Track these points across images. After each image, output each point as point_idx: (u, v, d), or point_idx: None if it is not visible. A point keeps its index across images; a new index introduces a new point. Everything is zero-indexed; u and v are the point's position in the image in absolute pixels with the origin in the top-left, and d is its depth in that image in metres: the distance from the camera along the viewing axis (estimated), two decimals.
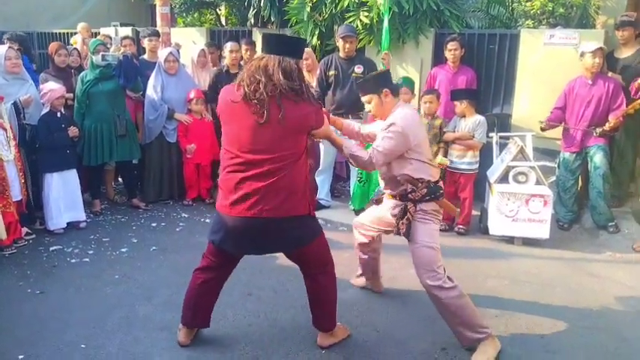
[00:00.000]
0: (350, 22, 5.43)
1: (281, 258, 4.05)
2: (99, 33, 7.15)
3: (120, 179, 5.63)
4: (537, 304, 3.41)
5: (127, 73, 4.81)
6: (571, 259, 4.19)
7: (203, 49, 5.83)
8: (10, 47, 4.50)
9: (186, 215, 5.09)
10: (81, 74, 4.91)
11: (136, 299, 3.38)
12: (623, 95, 4.54)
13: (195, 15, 8.25)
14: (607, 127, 4.50)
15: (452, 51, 5.12)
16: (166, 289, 3.53)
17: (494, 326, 3.10)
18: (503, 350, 2.85)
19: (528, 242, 4.40)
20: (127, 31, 7.16)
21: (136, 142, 5.10)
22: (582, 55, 4.58)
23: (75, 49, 5.70)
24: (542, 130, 4.79)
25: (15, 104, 4.25)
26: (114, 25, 7.53)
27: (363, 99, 2.98)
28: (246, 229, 2.55)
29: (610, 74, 4.76)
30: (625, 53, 4.82)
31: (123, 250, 4.21)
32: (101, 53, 4.73)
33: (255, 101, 2.41)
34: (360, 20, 5.49)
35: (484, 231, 4.61)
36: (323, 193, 5.20)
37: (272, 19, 6.34)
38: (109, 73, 4.78)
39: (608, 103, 4.56)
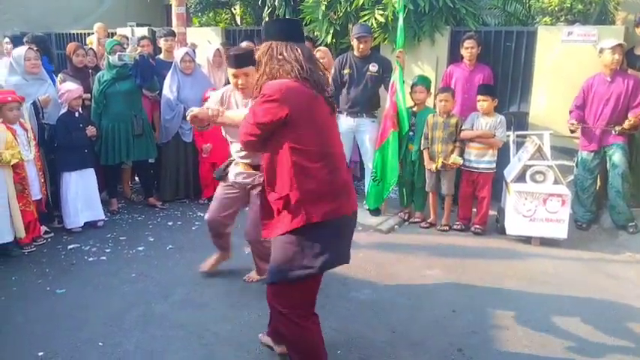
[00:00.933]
0: (365, 21, 5.40)
1: None
2: (115, 33, 7.22)
3: (137, 178, 5.67)
4: (555, 305, 3.37)
5: (143, 73, 4.85)
6: (589, 259, 4.13)
7: (218, 49, 5.85)
8: (29, 48, 4.56)
9: (201, 214, 5.10)
10: (98, 74, 4.96)
11: (153, 297, 3.41)
12: None
13: (211, 15, 8.28)
14: (626, 125, 4.42)
15: (469, 49, 5.07)
16: (182, 287, 3.55)
17: (511, 327, 3.08)
18: (521, 351, 2.82)
19: (546, 242, 4.35)
20: (143, 31, 7.21)
21: (152, 141, 5.14)
22: (601, 51, 4.51)
23: (91, 49, 5.77)
24: (572, 131, 4.71)
25: (34, 104, 4.31)
26: (130, 26, 7.59)
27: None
28: (350, 228, 2.41)
29: (630, 71, 4.68)
30: None
31: (140, 248, 4.25)
32: (118, 53, 4.77)
33: (324, 92, 2.29)
34: (375, 19, 5.46)
35: (501, 231, 4.56)
36: None
37: (287, 17, 6.34)
38: (126, 73, 4.82)
39: (628, 101, 4.48)
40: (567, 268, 3.98)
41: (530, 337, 2.98)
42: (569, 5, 5.13)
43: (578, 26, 5.12)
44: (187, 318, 3.15)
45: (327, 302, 3.35)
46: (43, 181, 4.29)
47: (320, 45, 5.85)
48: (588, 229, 4.76)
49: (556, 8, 5.20)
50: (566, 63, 5.06)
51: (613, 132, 4.51)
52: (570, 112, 4.72)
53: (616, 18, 5.34)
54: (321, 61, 5.08)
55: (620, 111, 4.50)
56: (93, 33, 7.22)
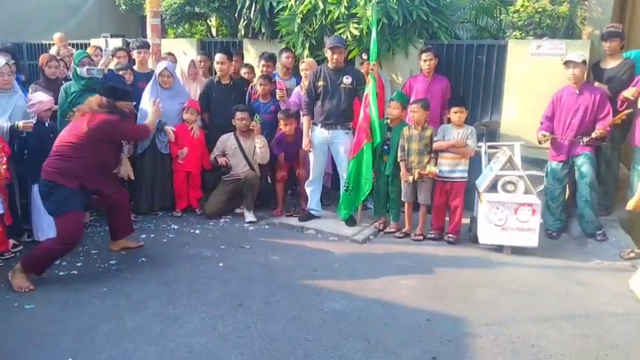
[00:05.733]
0: (340, 34, 5.47)
1: (270, 267, 4.07)
2: (89, 44, 7.15)
3: None
4: (527, 312, 3.43)
5: None
6: (560, 267, 4.22)
7: (192, 61, 5.86)
8: (6, 63, 4.43)
9: (175, 227, 5.07)
10: (64, 85, 4.83)
11: (125, 311, 3.35)
12: (610, 105, 4.60)
13: (186, 26, 8.27)
14: (594, 135, 4.55)
15: (427, 61, 5.20)
16: (155, 301, 3.50)
17: (484, 335, 3.12)
18: (494, 359, 2.86)
19: (517, 251, 4.43)
20: (117, 42, 7.16)
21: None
22: (564, 65, 4.66)
23: (62, 59, 5.68)
24: (540, 142, 4.83)
25: (12, 128, 4.19)
26: (104, 37, 7.53)
27: None
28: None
29: (596, 84, 4.83)
30: (611, 64, 4.89)
31: (111, 262, 4.17)
32: (87, 67, 4.69)
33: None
34: (350, 32, 5.53)
35: (474, 240, 4.63)
36: (313, 204, 5.20)
37: (262, 30, 6.38)
38: (94, 85, 4.71)
39: (595, 113, 4.61)
40: (538, 275, 4.05)
41: (503, 345, 3.02)
42: (537, 20, 5.27)
43: (547, 40, 5.26)
44: (160, 332, 3.11)
45: (302, 313, 3.35)
46: (5, 194, 4.17)
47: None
48: (558, 237, 4.86)
49: (525, 22, 5.35)
50: (535, 75, 5.20)
51: (581, 142, 4.64)
52: (541, 123, 4.84)
53: (583, 33, 5.50)
54: (306, 72, 5.20)
55: (587, 122, 4.63)
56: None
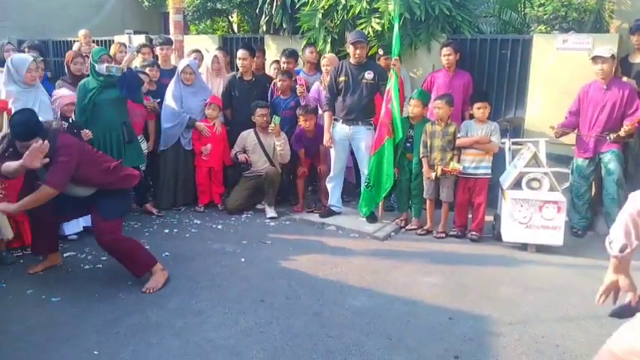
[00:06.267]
0: (361, 29, 5.44)
1: (291, 263, 4.08)
2: (113, 41, 7.24)
3: None
4: (552, 311, 3.37)
5: (129, 86, 4.80)
6: (585, 265, 4.14)
7: (216, 56, 5.88)
8: (34, 60, 4.48)
9: (198, 222, 5.12)
10: (82, 81, 4.81)
11: (148, 305, 3.40)
12: (639, 101, 4.49)
13: (208, 22, 8.31)
14: (622, 132, 4.45)
15: (446, 56, 5.15)
16: (178, 295, 3.54)
17: (507, 334, 3.08)
18: (517, 358, 2.82)
19: (542, 249, 4.36)
20: (140, 39, 7.24)
21: (140, 148, 5.10)
22: (592, 60, 4.56)
23: (86, 56, 5.76)
24: (556, 136, 4.76)
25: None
26: (127, 33, 7.62)
27: None
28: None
29: (625, 79, 4.71)
30: None
31: None
32: (106, 64, 4.70)
33: None
34: (372, 27, 5.50)
35: (497, 237, 4.57)
36: (334, 200, 5.20)
37: (284, 26, 6.38)
38: (112, 82, 4.72)
39: (623, 109, 4.51)
40: (563, 274, 3.99)
41: (527, 344, 2.98)
42: (563, 14, 5.15)
43: (573, 34, 5.15)
44: (183, 326, 3.14)
45: (324, 310, 3.35)
46: None
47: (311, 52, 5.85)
48: (584, 235, 4.77)
49: (551, 16, 5.23)
50: (561, 70, 5.10)
51: (608, 139, 4.54)
52: (565, 118, 4.75)
53: (610, 26, 5.38)
54: (327, 67, 5.18)
55: (615, 118, 4.53)
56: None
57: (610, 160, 4.57)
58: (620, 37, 5.00)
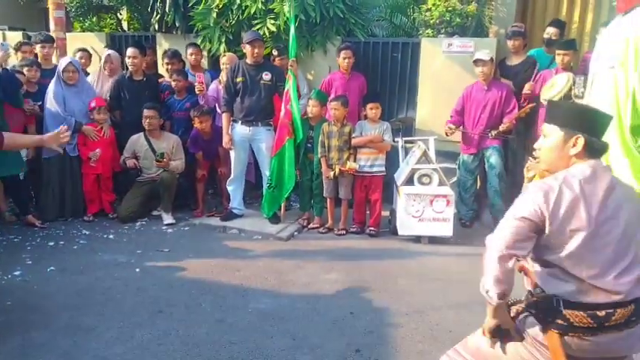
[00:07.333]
0: (257, 30, 5.40)
1: (191, 270, 3.94)
2: None
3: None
4: (445, 299, 3.57)
5: (5, 87, 4.40)
6: (474, 254, 4.40)
7: (109, 54, 5.54)
8: None
9: (87, 232, 4.78)
10: None
11: (32, 326, 3.11)
12: (515, 100, 4.90)
13: (94, 19, 7.81)
14: (501, 128, 4.83)
15: (346, 59, 5.27)
16: (66, 312, 3.28)
17: (405, 324, 3.21)
18: (414, 347, 2.95)
19: (434, 240, 4.61)
20: (17, 35, 6.63)
21: (18, 155, 4.64)
22: (474, 63, 4.90)
23: None
24: (447, 134, 5.04)
25: None
26: (1, 29, 6.95)
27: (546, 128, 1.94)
28: None
29: (503, 80, 5.11)
30: (515, 61, 5.19)
31: (16, 273, 3.86)
32: None
33: None
34: (267, 28, 5.48)
35: (393, 231, 4.77)
36: (236, 202, 5.11)
37: (177, 24, 6.16)
38: None
39: (502, 107, 4.89)
40: (455, 263, 4.24)
41: (423, 332, 3.12)
42: (448, 19, 5.49)
43: (457, 38, 5.50)
44: (72, 345, 2.91)
45: (226, 316, 3.28)
46: None
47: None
48: (471, 226, 5.12)
49: (437, 21, 5.55)
50: (447, 72, 5.43)
51: (489, 135, 4.90)
52: (451, 116, 5.06)
53: (490, 31, 5.80)
54: (228, 66, 5.06)
55: (495, 116, 4.90)
56: None
57: (491, 154, 4.93)
58: (497, 41, 5.42)
